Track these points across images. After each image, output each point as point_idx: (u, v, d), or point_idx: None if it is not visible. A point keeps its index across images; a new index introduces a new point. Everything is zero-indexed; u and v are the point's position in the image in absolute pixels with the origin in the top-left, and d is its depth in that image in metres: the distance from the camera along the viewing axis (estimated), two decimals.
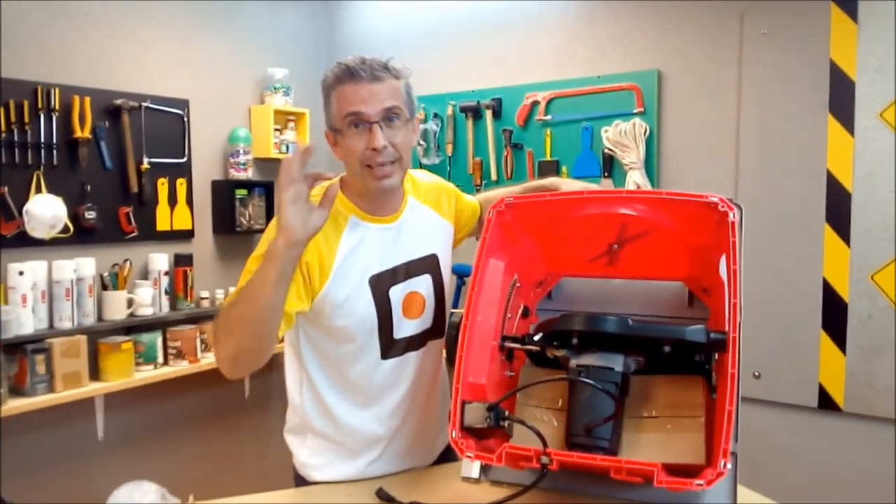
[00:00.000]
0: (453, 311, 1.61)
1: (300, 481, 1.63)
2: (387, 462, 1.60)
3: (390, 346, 1.55)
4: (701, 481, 1.12)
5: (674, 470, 1.24)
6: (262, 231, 3.41)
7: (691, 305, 1.59)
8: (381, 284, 1.52)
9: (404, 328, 1.56)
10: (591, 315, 1.39)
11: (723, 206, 1.34)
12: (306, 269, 1.44)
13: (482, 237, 1.49)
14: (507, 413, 1.32)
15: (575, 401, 1.34)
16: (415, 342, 1.59)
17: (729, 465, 1.12)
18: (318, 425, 1.59)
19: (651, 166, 2.87)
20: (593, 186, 1.69)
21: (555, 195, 1.54)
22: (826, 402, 2.53)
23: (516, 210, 1.52)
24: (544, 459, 1.21)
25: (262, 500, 1.50)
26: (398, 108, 1.45)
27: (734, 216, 1.32)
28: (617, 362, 1.34)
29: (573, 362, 1.37)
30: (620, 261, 1.53)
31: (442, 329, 1.63)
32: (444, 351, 1.54)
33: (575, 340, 1.38)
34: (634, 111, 2.89)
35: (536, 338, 1.41)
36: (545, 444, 1.23)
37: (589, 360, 1.35)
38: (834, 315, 2.52)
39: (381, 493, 1.42)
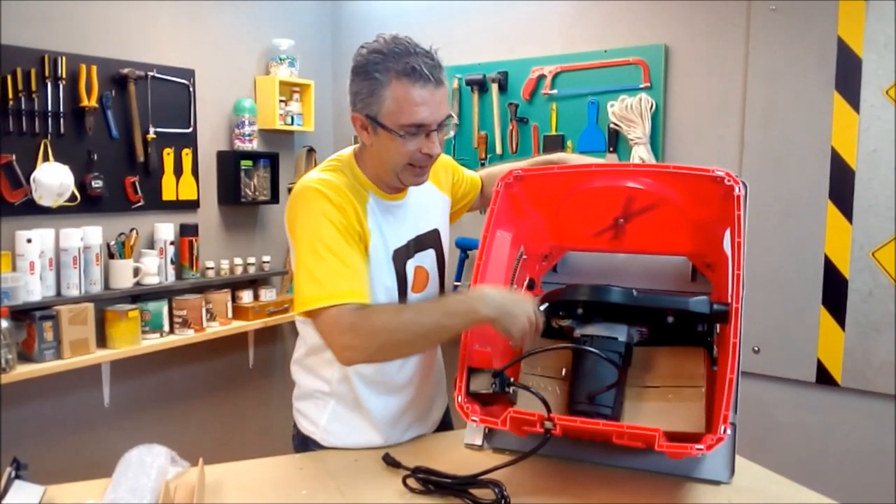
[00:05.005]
0: (456, 284, 1.63)
1: (302, 448, 1.64)
2: (388, 436, 1.60)
3: None
4: (701, 446, 1.14)
5: (674, 438, 1.27)
6: (266, 202, 3.43)
7: (694, 280, 1.61)
8: (399, 260, 1.54)
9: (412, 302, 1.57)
10: (596, 286, 1.41)
11: (729, 180, 1.35)
12: (363, 245, 1.46)
13: (490, 209, 1.51)
14: (511, 380, 1.35)
15: (579, 369, 1.37)
16: None
17: (729, 432, 1.14)
18: (343, 398, 1.58)
19: (656, 142, 2.87)
20: (601, 162, 1.69)
21: (563, 168, 1.56)
22: (824, 378, 2.56)
23: (524, 182, 1.54)
24: (548, 424, 1.24)
25: (270, 465, 1.52)
26: (451, 114, 1.45)
27: (740, 190, 1.34)
28: (620, 332, 1.37)
29: (578, 332, 1.39)
30: (625, 235, 1.55)
31: None
32: None
33: (580, 310, 1.40)
34: (641, 86, 2.89)
35: (542, 308, 1.43)
36: (549, 410, 1.25)
37: (593, 329, 1.38)
38: (834, 291, 2.53)
39: (387, 458, 1.44)
